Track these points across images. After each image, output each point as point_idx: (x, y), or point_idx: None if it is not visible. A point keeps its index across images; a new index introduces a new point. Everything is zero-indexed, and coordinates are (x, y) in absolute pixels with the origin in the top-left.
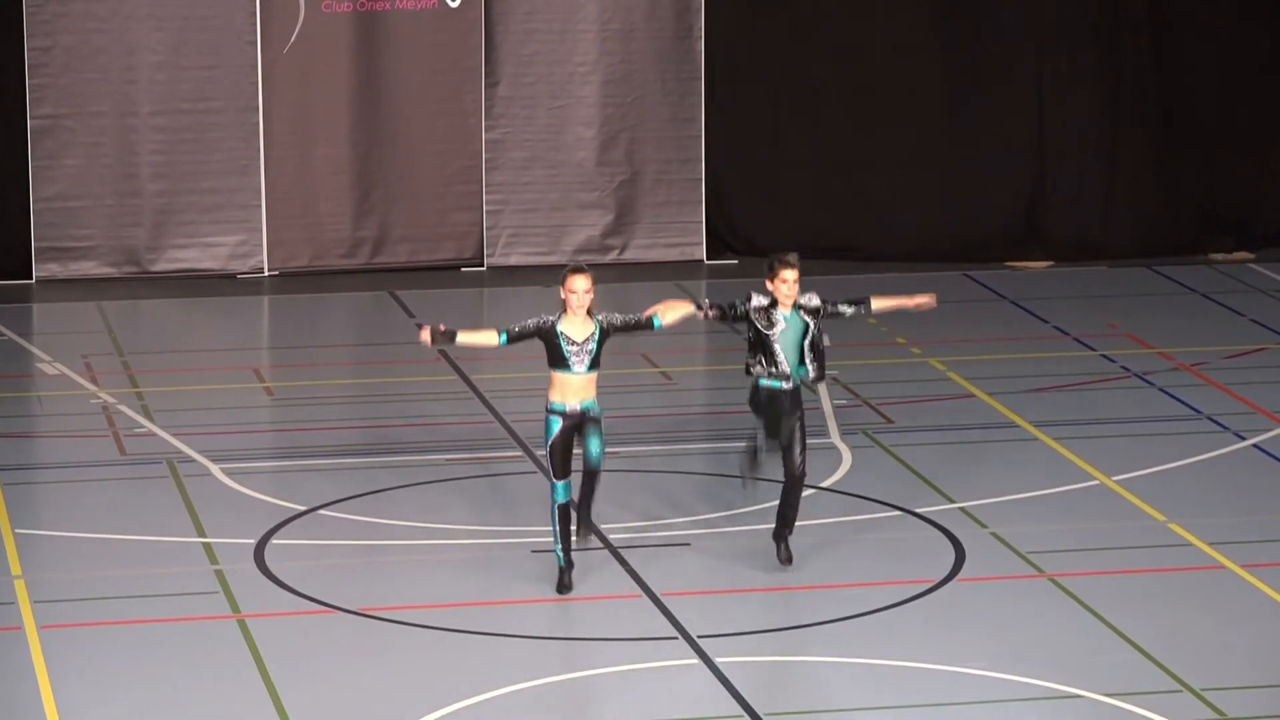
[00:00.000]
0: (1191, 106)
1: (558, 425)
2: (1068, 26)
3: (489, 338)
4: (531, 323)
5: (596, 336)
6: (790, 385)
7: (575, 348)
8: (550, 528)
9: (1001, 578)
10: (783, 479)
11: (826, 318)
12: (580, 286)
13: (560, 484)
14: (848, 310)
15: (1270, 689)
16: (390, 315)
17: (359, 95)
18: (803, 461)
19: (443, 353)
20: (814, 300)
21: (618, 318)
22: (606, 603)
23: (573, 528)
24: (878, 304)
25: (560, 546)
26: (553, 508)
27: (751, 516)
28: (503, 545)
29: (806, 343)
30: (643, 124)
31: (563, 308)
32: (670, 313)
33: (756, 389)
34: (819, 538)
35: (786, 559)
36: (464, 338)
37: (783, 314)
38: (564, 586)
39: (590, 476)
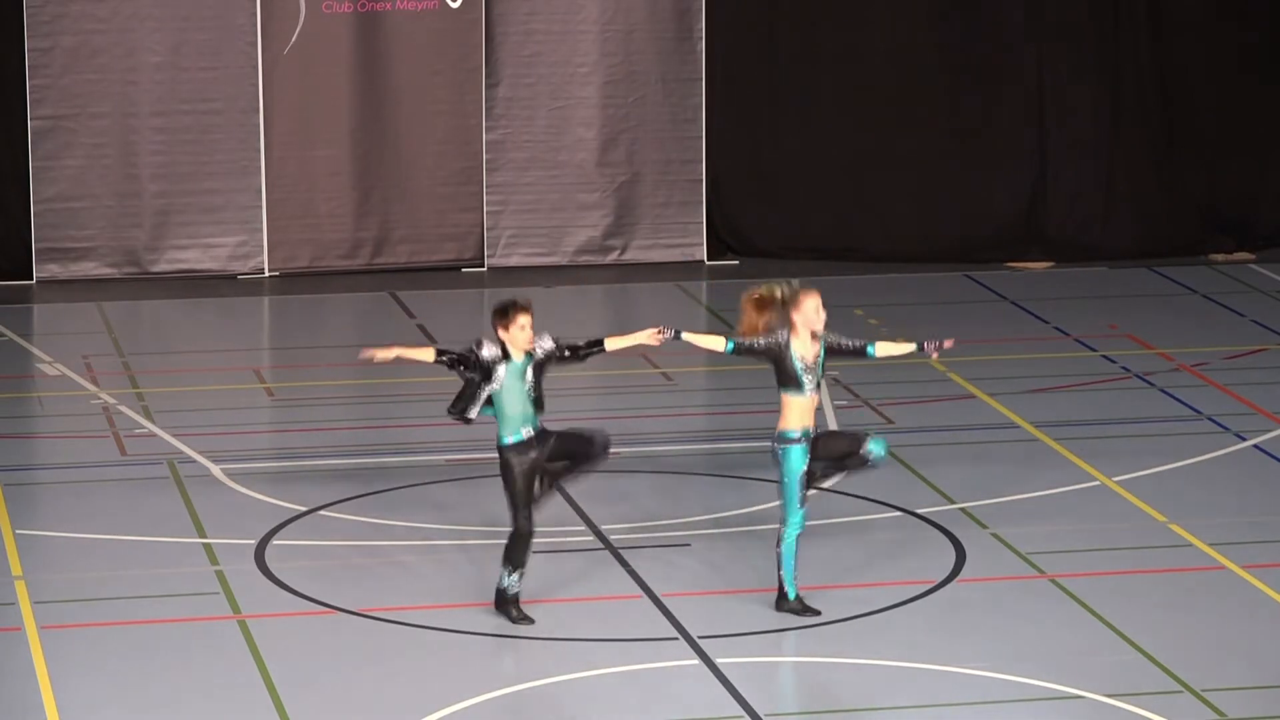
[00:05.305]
0: (1191, 106)
1: (799, 454)
2: (1068, 26)
3: (716, 343)
4: (762, 341)
5: (822, 355)
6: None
7: (805, 367)
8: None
9: (1001, 578)
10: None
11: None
12: (812, 306)
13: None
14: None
15: (1270, 689)
16: (391, 316)
17: (359, 96)
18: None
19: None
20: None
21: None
22: (606, 603)
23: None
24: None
25: (793, 578)
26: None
27: (751, 517)
28: (503, 546)
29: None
30: (643, 125)
31: (791, 328)
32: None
33: None
34: (819, 538)
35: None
36: (690, 338)
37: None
38: (808, 611)
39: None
